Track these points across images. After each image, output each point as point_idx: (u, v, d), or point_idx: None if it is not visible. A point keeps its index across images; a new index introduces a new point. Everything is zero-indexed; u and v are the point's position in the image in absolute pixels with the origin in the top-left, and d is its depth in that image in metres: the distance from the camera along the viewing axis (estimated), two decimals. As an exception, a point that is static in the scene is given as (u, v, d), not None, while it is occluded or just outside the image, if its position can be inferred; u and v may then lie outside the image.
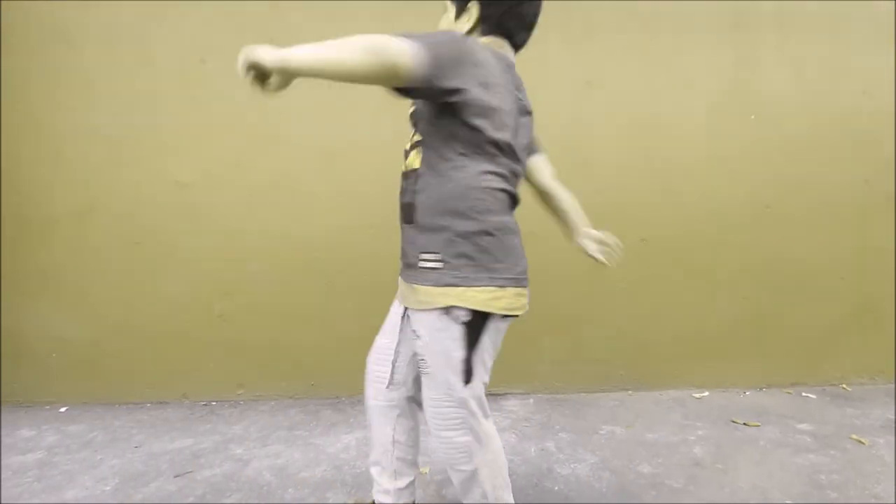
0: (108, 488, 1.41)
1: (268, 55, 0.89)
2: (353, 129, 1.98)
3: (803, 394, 2.12)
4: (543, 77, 2.02)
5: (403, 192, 0.99)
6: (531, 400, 2.03)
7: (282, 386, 2.04)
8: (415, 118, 0.99)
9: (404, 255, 1.00)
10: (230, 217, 1.98)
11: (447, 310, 0.92)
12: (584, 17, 2.02)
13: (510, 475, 1.47)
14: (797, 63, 2.11)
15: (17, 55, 1.89)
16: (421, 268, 0.94)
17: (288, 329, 2.01)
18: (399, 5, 1.95)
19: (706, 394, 2.11)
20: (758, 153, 2.11)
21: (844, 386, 2.19)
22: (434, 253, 0.92)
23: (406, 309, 1.04)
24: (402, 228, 1.01)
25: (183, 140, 1.95)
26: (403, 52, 0.81)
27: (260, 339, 2.01)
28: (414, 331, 0.97)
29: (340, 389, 2.04)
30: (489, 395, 2.01)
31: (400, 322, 1.08)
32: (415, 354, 1.03)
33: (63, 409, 1.93)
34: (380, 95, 1.94)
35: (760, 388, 2.17)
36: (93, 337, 1.97)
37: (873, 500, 1.35)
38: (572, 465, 1.54)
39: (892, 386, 2.18)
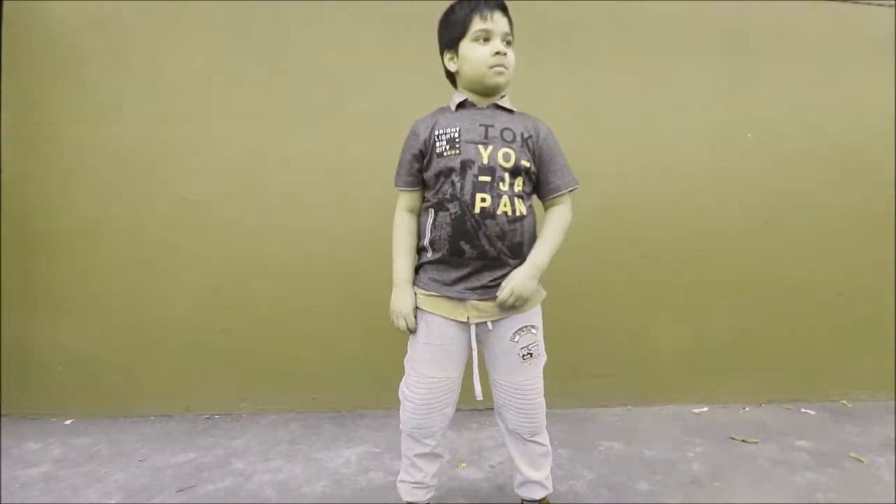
0: (112, 502, 1.44)
1: (533, 281, 1.18)
2: (360, 146, 2.02)
3: (802, 410, 2.12)
4: (543, 97, 2.06)
5: (513, 232, 1.16)
6: (531, 415, 2.04)
7: (283, 400, 2.06)
8: (526, 174, 1.20)
9: (501, 271, 1.18)
10: (235, 233, 2.02)
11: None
12: (583, 39, 2.07)
13: (508, 491, 1.49)
14: (794, 82, 2.15)
15: (27, 71, 1.94)
16: None
17: (290, 344, 2.03)
18: (406, 20, 1.99)
19: (705, 409, 2.12)
20: (756, 171, 2.14)
21: (844, 402, 2.19)
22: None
23: (480, 324, 1.20)
24: (499, 258, 1.17)
25: (190, 156, 1.99)
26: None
27: (263, 353, 2.03)
28: (531, 325, 1.21)
29: (341, 404, 2.06)
30: (488, 409, 2.03)
31: (465, 345, 1.22)
32: (524, 348, 1.21)
33: (69, 422, 1.96)
34: (386, 114, 1.99)
35: (760, 404, 2.17)
36: (98, 350, 2.00)
37: (870, 520, 1.36)
38: (570, 482, 1.55)
39: (893, 403, 2.18)
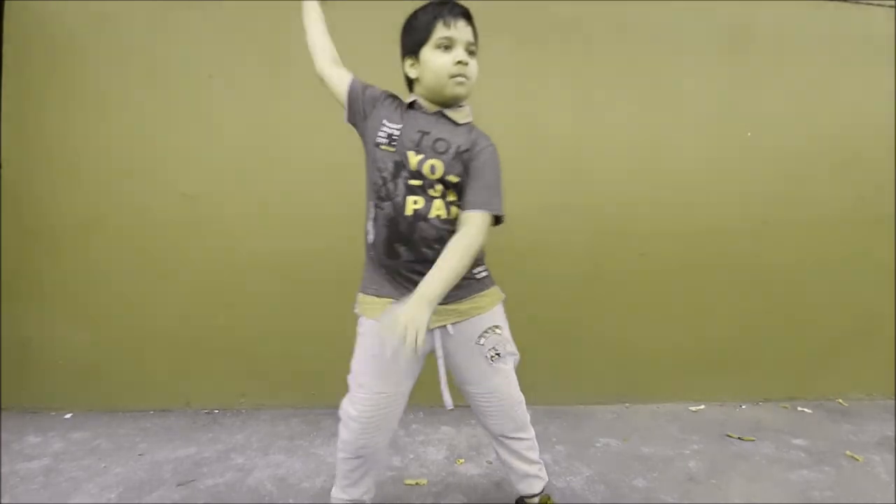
0: (112, 496, 1.44)
1: (424, 314, 1.00)
2: (357, 143, 2.01)
3: (799, 408, 2.13)
4: (542, 96, 2.06)
5: (450, 234, 1.11)
6: (529, 411, 2.05)
7: (283, 395, 2.07)
8: (454, 187, 1.14)
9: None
10: (235, 229, 2.02)
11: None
12: (584, 39, 2.07)
13: (506, 487, 1.50)
14: (793, 81, 2.15)
15: (27, 68, 1.94)
16: (480, 278, 1.19)
17: (290, 340, 2.04)
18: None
19: (702, 407, 2.13)
20: (755, 170, 2.15)
21: (841, 401, 2.20)
22: (480, 266, 1.20)
23: (439, 329, 1.15)
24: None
25: (189, 153, 1.99)
26: (485, 231, 1.12)
27: (262, 349, 2.04)
28: (495, 326, 1.19)
29: (340, 400, 2.06)
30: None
31: (419, 354, 1.13)
32: (491, 349, 1.18)
33: (68, 416, 1.96)
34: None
35: (757, 402, 2.18)
36: (98, 345, 2.00)
37: (865, 518, 1.37)
38: (567, 478, 1.56)
39: (890, 402, 2.19)
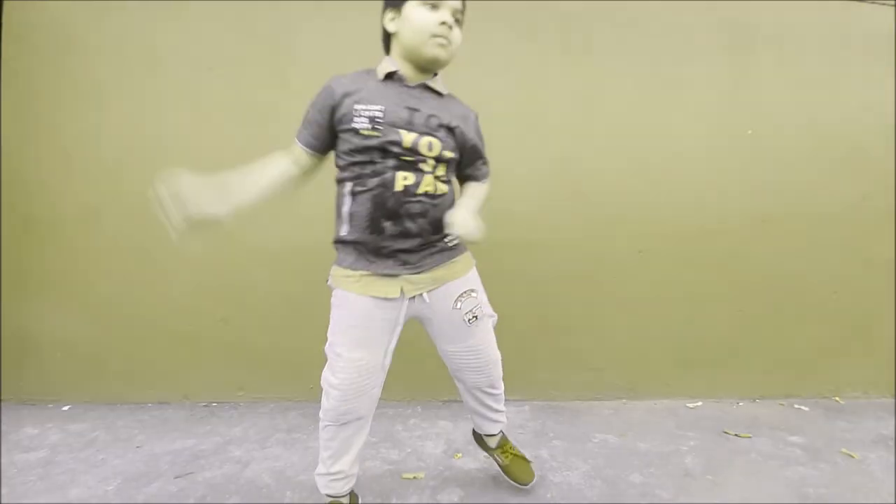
0: (110, 488, 1.45)
1: (475, 216, 1.15)
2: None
3: (796, 406, 2.14)
4: (542, 91, 2.05)
5: (434, 208, 1.16)
6: (526, 407, 2.06)
7: (281, 389, 2.07)
8: (448, 162, 1.19)
9: (426, 247, 1.18)
10: (233, 222, 2.00)
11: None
12: (583, 34, 2.05)
13: (504, 482, 1.51)
14: (795, 78, 2.14)
15: (26, 59, 1.92)
16: (452, 246, 1.23)
17: (288, 333, 2.04)
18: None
19: (699, 404, 2.13)
20: (755, 168, 2.14)
21: (837, 399, 2.21)
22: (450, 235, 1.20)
23: (416, 298, 1.20)
24: (420, 235, 1.16)
25: (189, 145, 1.98)
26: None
27: (260, 342, 2.04)
28: (470, 290, 1.23)
29: (339, 393, 2.06)
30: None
31: (391, 324, 1.19)
32: (468, 312, 1.23)
33: (66, 408, 1.96)
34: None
35: (754, 399, 2.19)
36: (96, 337, 2.00)
37: (860, 515, 1.38)
38: (564, 473, 1.57)
39: (886, 400, 2.20)
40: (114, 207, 1.97)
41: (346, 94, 1.11)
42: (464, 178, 1.31)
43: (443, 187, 1.17)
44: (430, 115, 1.13)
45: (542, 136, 2.06)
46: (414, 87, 1.14)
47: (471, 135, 1.21)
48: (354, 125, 1.10)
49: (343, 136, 1.14)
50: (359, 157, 1.12)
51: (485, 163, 1.30)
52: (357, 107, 1.09)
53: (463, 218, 1.11)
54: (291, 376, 2.06)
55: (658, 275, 2.13)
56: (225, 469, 1.56)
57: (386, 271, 1.15)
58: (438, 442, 1.75)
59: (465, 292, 1.23)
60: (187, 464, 1.59)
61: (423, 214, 1.14)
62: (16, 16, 1.92)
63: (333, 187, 2.03)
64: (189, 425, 1.85)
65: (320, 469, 1.27)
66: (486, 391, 1.36)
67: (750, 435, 1.85)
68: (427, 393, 2.09)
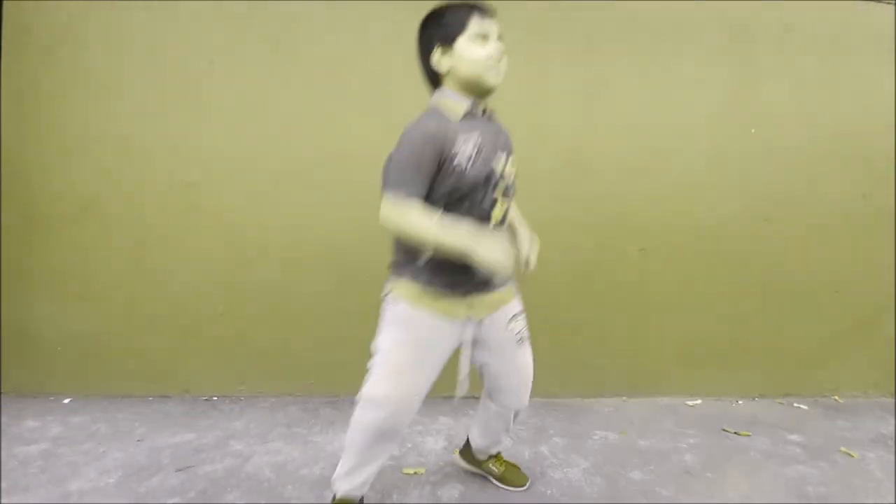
0: (111, 481, 1.45)
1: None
2: (360, 130, 2.00)
3: (795, 404, 2.14)
4: (544, 89, 2.04)
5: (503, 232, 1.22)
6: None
7: (282, 384, 2.07)
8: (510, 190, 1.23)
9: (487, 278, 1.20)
10: (234, 216, 2.01)
11: None
12: (585, 31, 2.04)
13: (503, 479, 1.51)
14: (797, 77, 2.13)
15: (25, 55, 1.91)
16: None
17: (289, 328, 2.04)
18: (408, 4, 1.96)
19: (699, 402, 2.14)
20: (757, 166, 2.13)
21: (837, 398, 2.21)
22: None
23: (472, 321, 1.24)
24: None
25: (189, 140, 1.97)
26: None
27: (261, 337, 2.04)
28: (518, 313, 1.31)
29: (339, 388, 2.07)
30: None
31: (451, 344, 1.23)
32: (518, 332, 1.30)
33: (67, 401, 1.97)
34: (387, 97, 1.97)
35: (753, 398, 2.19)
36: (97, 330, 2.00)
37: (859, 513, 1.39)
38: (565, 470, 1.57)
39: (886, 399, 2.21)
40: (114, 202, 1.97)
41: (445, 140, 1.09)
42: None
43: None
44: (504, 137, 1.23)
45: (543, 133, 2.05)
46: (483, 117, 1.19)
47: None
48: (454, 164, 1.09)
49: (442, 178, 1.11)
50: (456, 195, 1.11)
51: None
52: (455, 145, 1.09)
53: (534, 259, 1.25)
54: (291, 371, 2.06)
55: (659, 273, 2.13)
56: (226, 463, 1.56)
57: (460, 292, 1.19)
58: (439, 438, 1.76)
59: (516, 314, 1.30)
60: (188, 457, 1.59)
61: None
62: (14, 12, 1.91)
63: (336, 185, 2.04)
64: (190, 419, 1.85)
65: (341, 471, 1.26)
66: (515, 412, 1.39)
67: (749, 433, 1.86)
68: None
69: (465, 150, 1.10)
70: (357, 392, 1.21)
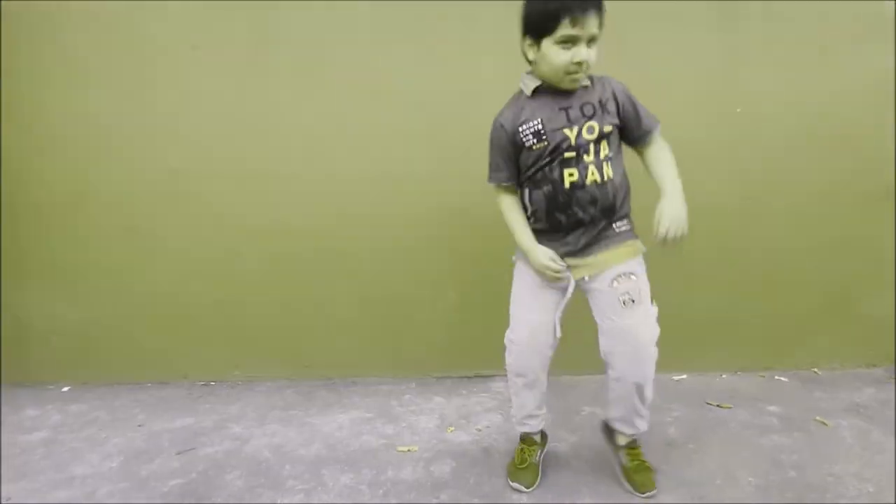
0: (114, 465, 1.49)
1: (684, 206, 1.30)
2: (348, 115, 2.00)
3: (776, 377, 2.22)
4: (522, 71, 2.03)
5: (605, 195, 1.27)
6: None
7: (277, 367, 2.11)
8: (609, 137, 1.28)
9: (595, 233, 1.29)
10: (224, 203, 2.01)
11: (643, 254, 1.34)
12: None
13: (494, 453, 1.57)
14: (784, 57, 2.14)
15: (5, 40, 1.88)
16: (619, 232, 1.33)
17: (282, 312, 2.07)
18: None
19: (684, 377, 2.21)
20: (740, 145, 2.16)
21: (816, 370, 2.29)
22: (622, 220, 1.34)
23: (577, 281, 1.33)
24: (592, 222, 1.28)
25: (175, 127, 1.97)
26: None
27: (255, 322, 2.07)
28: (630, 273, 1.29)
29: (333, 371, 2.12)
30: (477, 376, 2.10)
31: (561, 296, 1.35)
32: (624, 293, 1.29)
33: (65, 389, 2.00)
34: (373, 82, 1.96)
35: (735, 372, 2.27)
36: (92, 319, 2.02)
37: (830, 479, 1.46)
38: (552, 444, 1.63)
39: (861, 371, 2.29)
40: (105, 190, 1.97)
41: (514, 123, 1.26)
42: (637, 141, 1.38)
43: (608, 171, 1.27)
44: (583, 105, 1.24)
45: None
46: (559, 90, 1.24)
47: (621, 98, 1.29)
48: (524, 142, 1.25)
49: (521, 156, 1.29)
50: (533, 167, 1.26)
51: (647, 115, 1.35)
52: (521, 126, 1.25)
53: (674, 217, 1.23)
54: (286, 356, 2.10)
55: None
56: (225, 445, 1.61)
57: (557, 252, 1.31)
58: (432, 416, 1.81)
59: (623, 274, 1.29)
60: (188, 441, 1.64)
61: (593, 203, 1.26)
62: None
63: (323, 169, 2.04)
64: (188, 404, 1.89)
65: (513, 412, 1.49)
66: (635, 383, 1.33)
67: (731, 406, 1.93)
68: (421, 370, 2.14)
69: (530, 128, 1.23)
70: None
